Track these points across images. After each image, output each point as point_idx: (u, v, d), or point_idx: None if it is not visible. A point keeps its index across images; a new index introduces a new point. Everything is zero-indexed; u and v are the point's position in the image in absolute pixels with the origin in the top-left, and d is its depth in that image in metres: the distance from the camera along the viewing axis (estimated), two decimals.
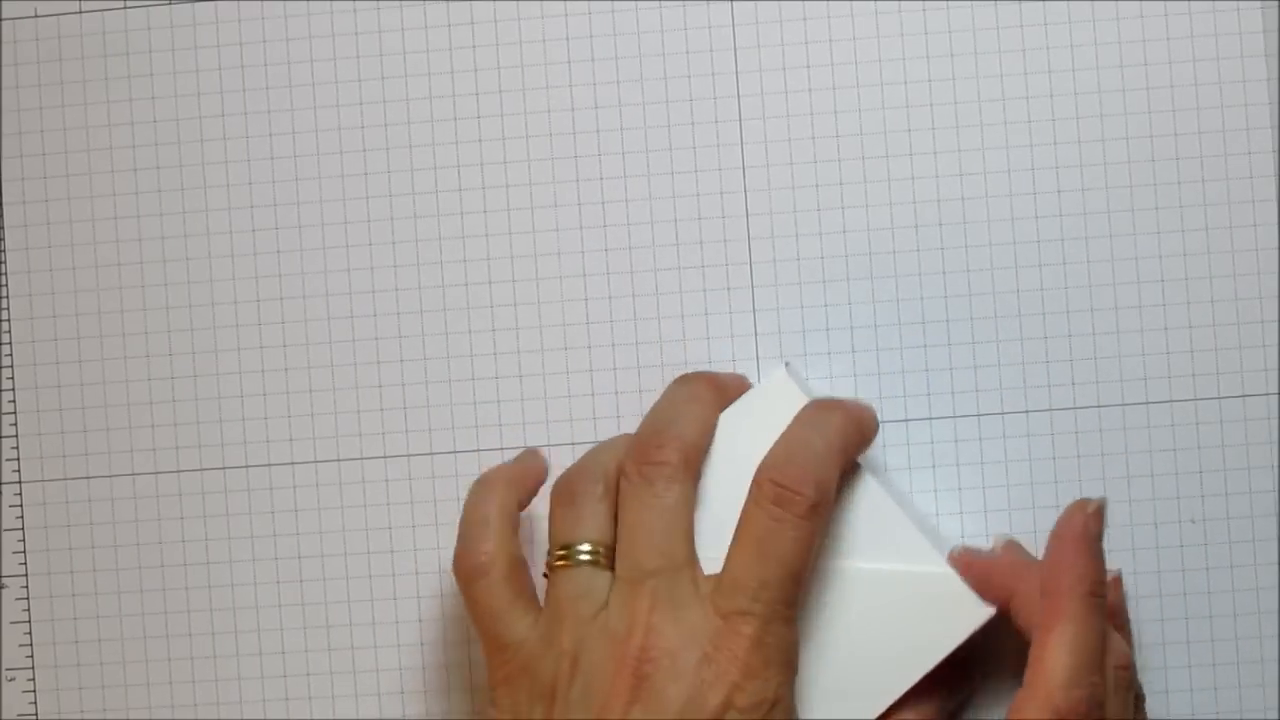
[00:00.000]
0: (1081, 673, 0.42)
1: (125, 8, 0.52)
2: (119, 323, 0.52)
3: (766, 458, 0.44)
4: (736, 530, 0.43)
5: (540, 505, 0.47)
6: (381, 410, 0.51)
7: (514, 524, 0.46)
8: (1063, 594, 0.43)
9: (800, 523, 0.43)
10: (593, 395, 0.51)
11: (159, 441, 0.52)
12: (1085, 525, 0.44)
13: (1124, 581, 0.48)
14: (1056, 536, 0.44)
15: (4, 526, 0.52)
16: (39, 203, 0.52)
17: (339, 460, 0.51)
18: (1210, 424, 0.50)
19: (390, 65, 0.52)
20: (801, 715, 0.44)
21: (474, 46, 0.51)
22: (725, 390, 0.47)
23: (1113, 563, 0.50)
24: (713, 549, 0.44)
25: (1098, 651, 0.42)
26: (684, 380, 0.47)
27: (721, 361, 0.51)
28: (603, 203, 0.51)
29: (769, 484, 0.43)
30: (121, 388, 0.52)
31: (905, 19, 0.51)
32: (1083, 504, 0.45)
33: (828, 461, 0.44)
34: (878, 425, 0.47)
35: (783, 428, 0.45)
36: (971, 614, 0.45)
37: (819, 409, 0.46)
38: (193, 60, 0.52)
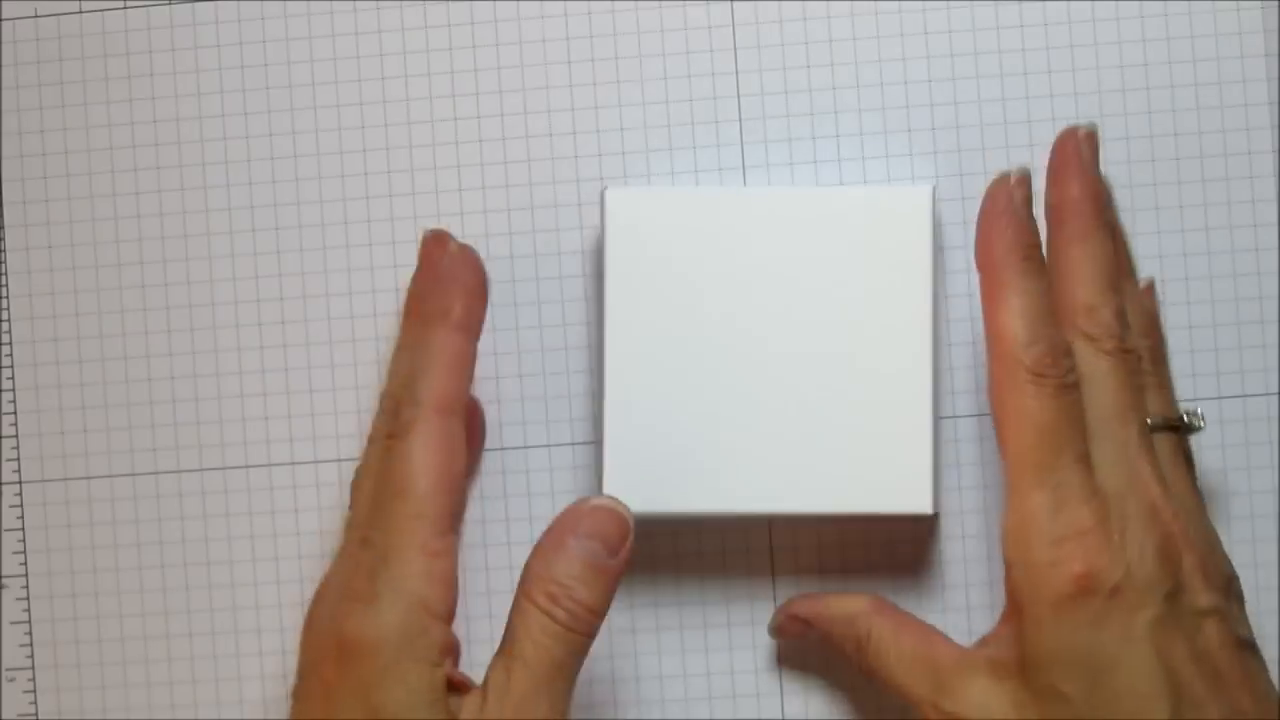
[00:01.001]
0: (1036, 328, 0.43)
1: (125, 8, 0.52)
2: (119, 323, 0.52)
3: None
4: None
5: None
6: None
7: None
8: (996, 266, 0.44)
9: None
10: (592, 396, 0.51)
11: (159, 441, 0.52)
12: (1009, 196, 0.44)
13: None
14: (982, 213, 0.44)
15: (4, 526, 0.52)
16: (39, 203, 0.52)
17: (339, 460, 0.51)
18: (1210, 424, 0.50)
19: (390, 65, 0.52)
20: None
21: (474, 46, 0.51)
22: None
23: None
24: None
25: (1046, 308, 0.43)
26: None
27: None
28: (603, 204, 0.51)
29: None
30: (121, 388, 0.52)
31: (905, 19, 0.51)
32: (1005, 176, 0.45)
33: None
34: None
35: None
36: (916, 201, 0.47)
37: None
38: (193, 60, 0.52)
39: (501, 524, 0.51)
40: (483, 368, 0.51)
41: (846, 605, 0.47)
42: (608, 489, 0.47)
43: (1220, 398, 0.50)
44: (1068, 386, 0.43)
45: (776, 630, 0.49)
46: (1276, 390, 0.50)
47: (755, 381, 0.47)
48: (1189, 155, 0.50)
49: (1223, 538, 0.49)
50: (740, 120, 0.51)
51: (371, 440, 0.45)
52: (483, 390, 0.51)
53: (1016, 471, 0.43)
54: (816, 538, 0.51)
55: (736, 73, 0.51)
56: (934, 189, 0.48)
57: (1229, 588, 0.43)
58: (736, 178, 0.51)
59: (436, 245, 0.47)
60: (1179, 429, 0.45)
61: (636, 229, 0.48)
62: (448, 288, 0.46)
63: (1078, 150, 0.45)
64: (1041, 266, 0.44)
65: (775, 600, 0.50)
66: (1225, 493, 0.50)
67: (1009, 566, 0.43)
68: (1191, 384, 0.50)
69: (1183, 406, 0.46)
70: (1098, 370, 0.43)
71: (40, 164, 0.52)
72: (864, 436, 0.47)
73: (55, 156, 0.52)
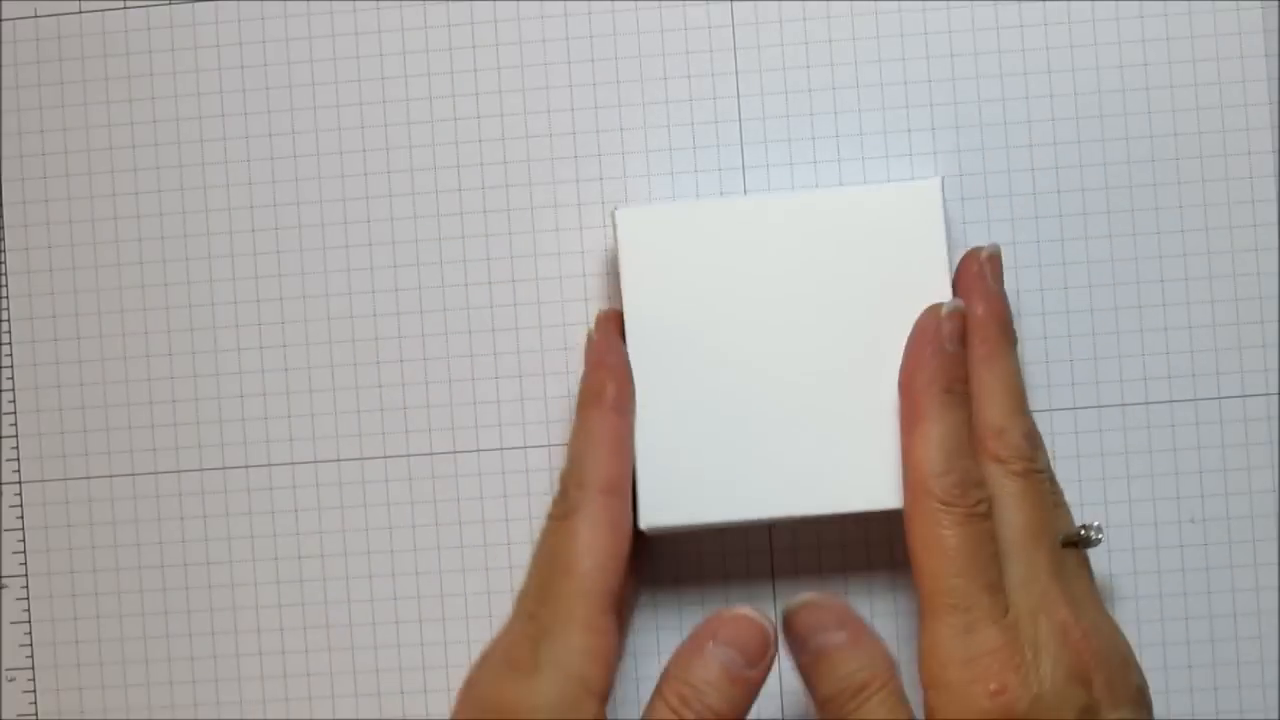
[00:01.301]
0: (951, 459, 0.44)
1: (125, 8, 0.52)
2: (119, 323, 0.52)
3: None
4: None
5: None
6: (381, 410, 0.51)
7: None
8: (917, 395, 0.45)
9: None
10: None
11: (159, 441, 0.52)
12: (937, 328, 0.45)
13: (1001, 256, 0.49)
14: (909, 341, 0.46)
15: (4, 526, 0.52)
16: (39, 203, 0.52)
17: (339, 460, 0.51)
18: (1210, 424, 0.50)
19: (390, 65, 0.52)
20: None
21: (474, 46, 0.51)
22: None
23: (1113, 563, 0.50)
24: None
25: (962, 440, 0.45)
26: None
27: None
28: (602, 203, 0.51)
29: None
30: (121, 388, 0.52)
31: (905, 19, 0.51)
32: (936, 308, 0.46)
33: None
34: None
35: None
36: (926, 195, 0.47)
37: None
38: (193, 60, 0.52)
39: (501, 524, 0.51)
40: (483, 368, 0.51)
41: (876, 648, 0.45)
42: (643, 508, 0.47)
43: (1220, 398, 0.50)
44: (977, 516, 0.44)
45: (796, 615, 0.46)
46: (1276, 390, 0.50)
47: (783, 387, 0.47)
48: (1189, 155, 0.50)
49: (1222, 537, 0.49)
50: (740, 120, 0.51)
51: (547, 519, 0.46)
52: (483, 390, 0.51)
53: (929, 597, 0.43)
54: (816, 538, 0.51)
55: (736, 73, 0.51)
56: (942, 180, 0.48)
57: (1139, 699, 0.44)
58: (736, 178, 0.51)
59: (594, 329, 0.48)
60: (1078, 544, 0.46)
61: (649, 246, 0.48)
62: (599, 371, 0.47)
63: (981, 272, 0.47)
64: (963, 399, 0.45)
65: (775, 601, 0.50)
66: (1225, 493, 0.50)
67: (925, 689, 0.43)
68: (1191, 384, 0.50)
69: (1079, 522, 0.47)
70: (1007, 492, 0.45)
71: (40, 164, 0.52)
72: (895, 434, 0.47)
73: (55, 156, 0.52)
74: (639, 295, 0.48)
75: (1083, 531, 0.45)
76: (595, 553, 0.44)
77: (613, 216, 0.48)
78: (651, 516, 0.47)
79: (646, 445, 0.47)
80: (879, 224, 0.47)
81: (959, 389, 0.45)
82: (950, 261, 0.47)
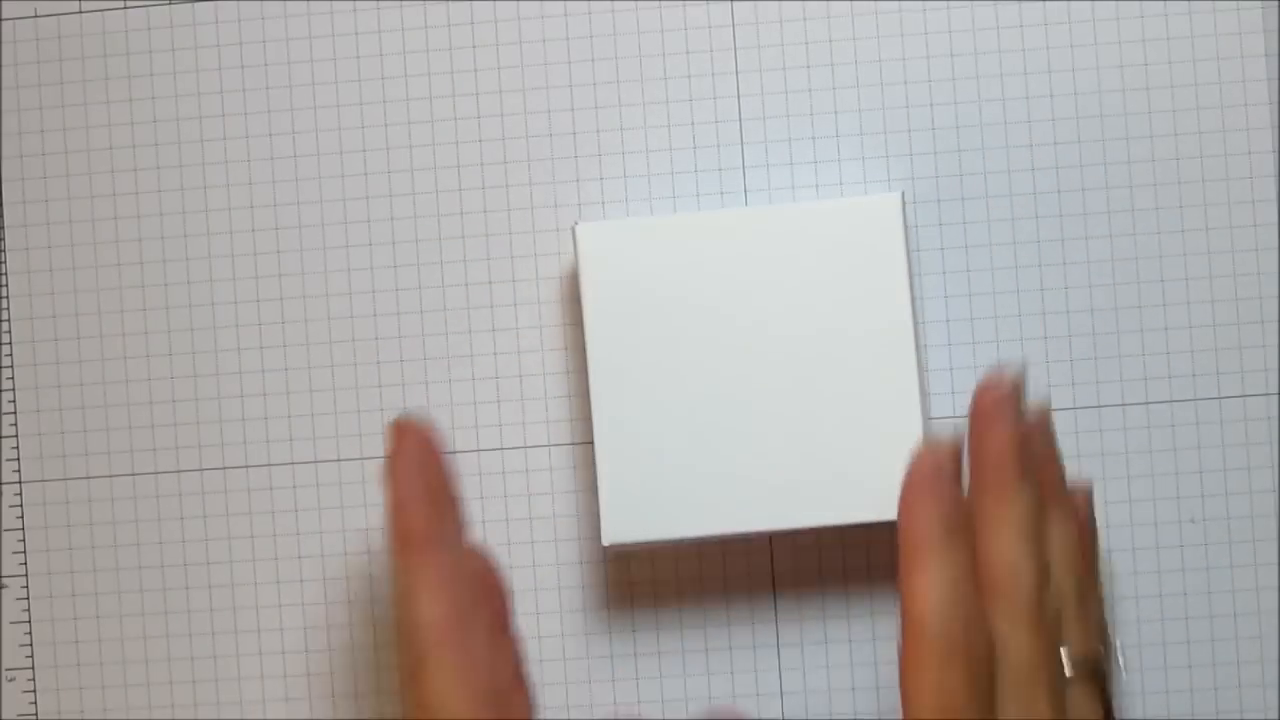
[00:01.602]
0: (954, 606, 0.41)
1: (125, 8, 0.52)
2: (119, 323, 0.52)
3: None
4: None
5: None
6: (381, 410, 0.51)
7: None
8: (917, 539, 0.42)
9: None
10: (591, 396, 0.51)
11: (159, 441, 0.52)
12: (935, 467, 0.43)
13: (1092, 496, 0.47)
14: (906, 482, 0.43)
15: (4, 526, 0.52)
16: (39, 203, 0.52)
17: (339, 460, 0.51)
18: (1210, 424, 0.50)
19: (390, 65, 0.52)
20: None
21: (474, 46, 0.51)
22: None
23: (1113, 563, 0.50)
24: None
25: (964, 584, 0.42)
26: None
27: None
28: (603, 203, 0.51)
29: None
30: (121, 388, 0.52)
31: (905, 19, 0.51)
32: (932, 445, 0.43)
33: None
34: None
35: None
36: (887, 210, 0.47)
37: None
38: (193, 60, 0.52)
39: (501, 524, 0.51)
40: (484, 368, 0.51)
41: None
42: (605, 522, 0.47)
43: (1220, 398, 0.50)
44: (977, 659, 0.42)
45: None
46: (1276, 390, 0.50)
47: (744, 402, 0.47)
48: (1189, 155, 0.50)
49: (1222, 537, 0.49)
50: (740, 120, 0.51)
51: (402, 682, 0.43)
52: (484, 390, 0.51)
53: None
54: (816, 536, 0.51)
55: (736, 73, 0.51)
56: (903, 194, 0.47)
57: None
58: (736, 178, 0.51)
59: (387, 452, 0.45)
60: (1096, 671, 0.44)
61: (610, 261, 0.47)
62: (400, 514, 0.43)
63: (999, 400, 0.44)
64: (964, 538, 0.42)
65: (775, 604, 0.50)
66: (1225, 493, 0.50)
67: None
68: (1191, 384, 0.50)
69: (1106, 643, 0.45)
70: (1011, 631, 0.42)
71: (40, 164, 0.52)
72: (857, 446, 0.47)
73: (55, 156, 0.52)
74: (600, 310, 0.47)
75: (1102, 651, 0.44)
76: (460, 706, 0.41)
77: (572, 232, 0.48)
78: (614, 533, 0.47)
79: (609, 464, 0.47)
80: (840, 238, 0.47)
81: (958, 526, 0.42)
82: (910, 275, 0.47)
